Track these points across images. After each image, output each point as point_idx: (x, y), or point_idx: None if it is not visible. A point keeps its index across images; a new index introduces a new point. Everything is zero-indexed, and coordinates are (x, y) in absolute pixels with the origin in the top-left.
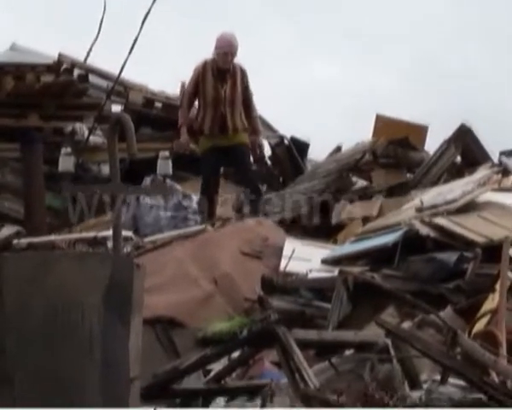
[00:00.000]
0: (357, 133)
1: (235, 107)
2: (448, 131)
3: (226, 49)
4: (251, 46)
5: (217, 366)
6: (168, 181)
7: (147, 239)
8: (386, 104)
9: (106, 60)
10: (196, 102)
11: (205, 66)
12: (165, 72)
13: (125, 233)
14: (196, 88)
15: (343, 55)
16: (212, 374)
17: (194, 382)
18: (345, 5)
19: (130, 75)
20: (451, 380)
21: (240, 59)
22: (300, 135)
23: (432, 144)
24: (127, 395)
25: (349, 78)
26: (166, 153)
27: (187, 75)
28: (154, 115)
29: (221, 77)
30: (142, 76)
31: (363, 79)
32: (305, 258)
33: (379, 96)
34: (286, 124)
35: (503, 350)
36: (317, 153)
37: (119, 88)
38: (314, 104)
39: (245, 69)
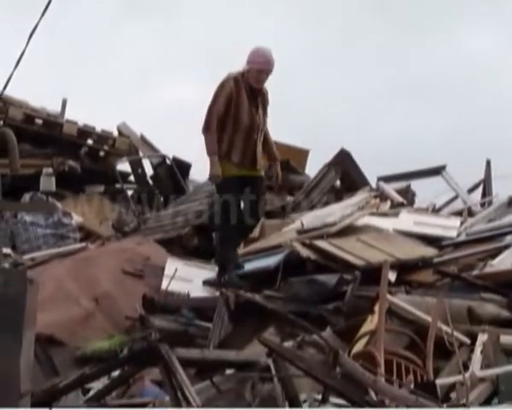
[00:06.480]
0: None
1: (262, 135)
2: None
3: (264, 66)
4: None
5: (97, 385)
6: (49, 198)
7: (25, 256)
8: None
9: None
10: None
11: (237, 83)
12: (48, 88)
13: (4, 250)
14: (228, 108)
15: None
16: (91, 393)
17: (73, 401)
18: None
19: (11, 90)
20: (332, 399)
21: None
22: (183, 156)
23: (311, 168)
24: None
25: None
26: (50, 170)
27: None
28: (34, 131)
29: (254, 99)
30: (25, 92)
31: None
32: (186, 278)
33: None
34: (168, 144)
35: (382, 370)
36: (200, 173)
37: None
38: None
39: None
